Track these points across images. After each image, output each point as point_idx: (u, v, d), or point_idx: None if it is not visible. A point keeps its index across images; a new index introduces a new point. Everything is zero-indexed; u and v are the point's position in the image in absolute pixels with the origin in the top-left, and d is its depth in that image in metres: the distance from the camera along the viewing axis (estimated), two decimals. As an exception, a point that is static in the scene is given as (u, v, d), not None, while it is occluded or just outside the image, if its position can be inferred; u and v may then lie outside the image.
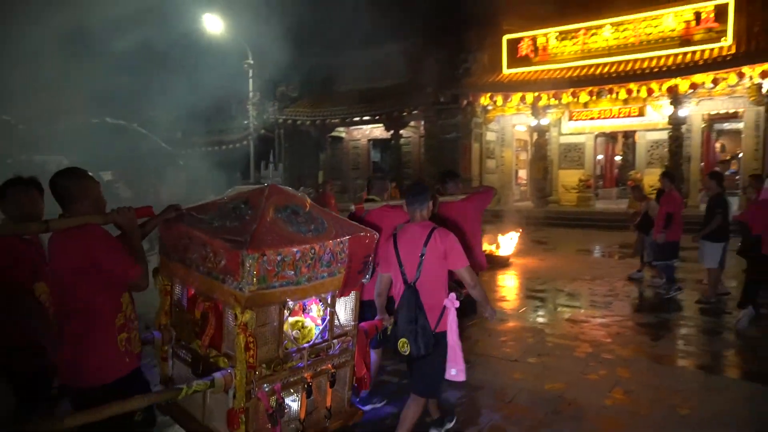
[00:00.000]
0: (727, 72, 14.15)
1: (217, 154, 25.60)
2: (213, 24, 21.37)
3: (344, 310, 2.95)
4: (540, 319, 6.12)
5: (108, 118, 19.03)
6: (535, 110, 17.36)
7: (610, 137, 25.11)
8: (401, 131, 21.48)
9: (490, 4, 18.57)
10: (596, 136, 21.93)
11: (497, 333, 5.37)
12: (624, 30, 16.26)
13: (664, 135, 16.51)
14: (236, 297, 2.35)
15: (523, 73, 17.79)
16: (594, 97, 16.31)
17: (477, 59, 18.60)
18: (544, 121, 17.76)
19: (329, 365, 2.79)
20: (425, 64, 19.62)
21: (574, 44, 17.10)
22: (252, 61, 22.51)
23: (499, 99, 17.86)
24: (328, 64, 24.09)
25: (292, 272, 2.48)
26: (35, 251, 2.85)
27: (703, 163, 19.65)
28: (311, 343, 2.76)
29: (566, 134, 19.12)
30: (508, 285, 8.19)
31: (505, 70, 18.21)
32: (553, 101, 17.02)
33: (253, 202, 2.63)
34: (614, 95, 15.91)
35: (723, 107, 16.30)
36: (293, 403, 2.74)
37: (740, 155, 25.32)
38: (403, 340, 2.94)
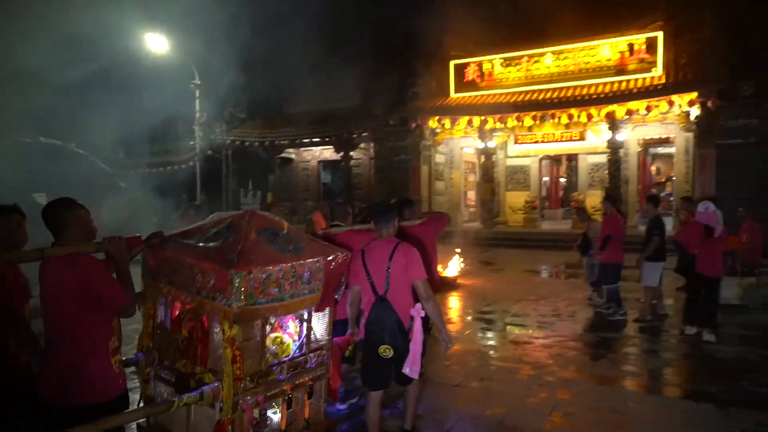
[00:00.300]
0: (658, 100, 14.96)
1: (162, 175, 24.78)
2: (157, 43, 20.84)
3: (319, 325, 3.16)
4: (484, 342, 6.09)
5: (42, 137, 18.08)
6: (482, 133, 17.75)
7: (555, 160, 26.00)
8: (351, 153, 21.48)
9: (438, 30, 19.02)
10: (541, 159, 22.66)
11: (441, 356, 5.27)
12: (564, 58, 16.97)
13: (603, 158, 17.20)
14: (225, 313, 2.54)
15: (469, 97, 18.21)
16: (537, 122, 16.85)
17: (425, 83, 18.91)
18: (491, 144, 18.17)
19: (307, 378, 3.00)
20: (375, 87, 19.82)
21: (518, 70, 17.68)
22: (199, 82, 22.06)
23: (447, 122, 18.18)
24: (279, 85, 23.91)
25: (276, 289, 2.70)
26: (21, 275, 2.91)
27: (640, 185, 20.61)
28: (290, 357, 2.96)
29: (512, 157, 19.63)
30: (454, 307, 8.15)
31: (453, 94, 18.59)
32: (498, 125, 17.46)
33: (234, 226, 2.82)
34: (556, 120, 16.50)
35: (656, 133, 17.19)
36: (274, 416, 2.92)
37: (674, 178, 26.85)
38: (385, 346, 3.22)
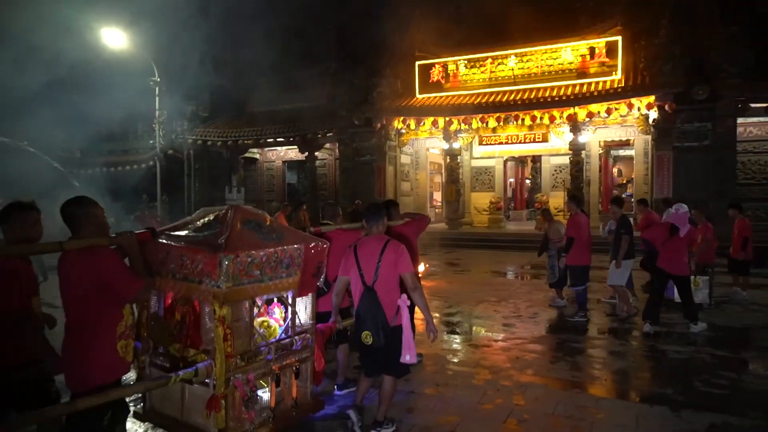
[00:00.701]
0: (618, 103, 15.25)
1: (120, 175, 23.96)
2: (114, 38, 20.13)
3: (303, 310, 3.51)
4: (443, 346, 5.97)
5: (-13, 135, 17.25)
6: (447, 134, 17.76)
7: (520, 161, 26.34)
8: (316, 153, 21.21)
9: (404, 31, 18.97)
10: (506, 160, 22.88)
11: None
12: (528, 60, 17.13)
13: (566, 160, 17.43)
14: (215, 294, 2.82)
15: (434, 98, 18.20)
16: (501, 123, 16.96)
17: (391, 84, 18.81)
18: (456, 145, 18.20)
19: (293, 359, 3.33)
20: (340, 87, 19.64)
21: (482, 72, 17.76)
22: (158, 79, 21.42)
23: (412, 123, 18.12)
24: (242, 84, 23.47)
25: (258, 272, 3.00)
26: (32, 270, 3.05)
27: (602, 187, 21.01)
28: (277, 339, 3.28)
29: (477, 158, 19.73)
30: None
31: (418, 95, 18.55)
32: (463, 126, 17.51)
33: (220, 218, 3.11)
34: (520, 121, 16.64)
35: (617, 135, 17.53)
36: (264, 394, 3.22)
37: (634, 179, 27.53)
38: (366, 332, 3.46)
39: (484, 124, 17.22)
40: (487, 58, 17.62)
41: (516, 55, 17.20)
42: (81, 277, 2.55)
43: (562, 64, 16.68)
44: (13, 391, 2.74)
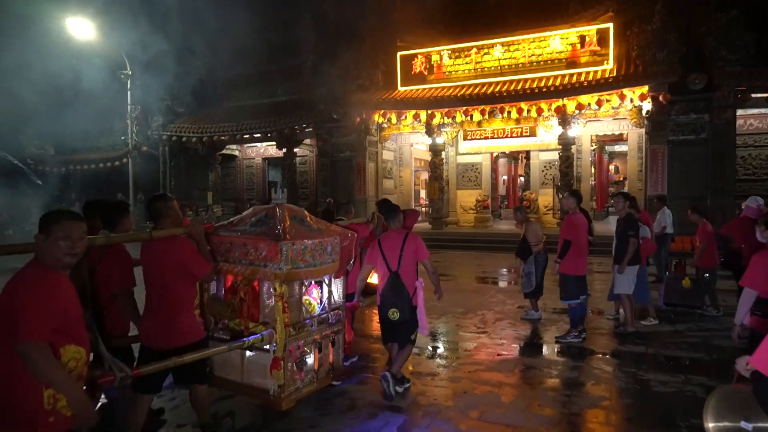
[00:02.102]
0: (609, 94, 14.28)
1: (93, 172, 23.00)
2: (81, 29, 19.12)
3: (336, 290, 4.15)
4: (377, 375, 4.96)
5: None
6: (429, 128, 16.77)
7: (513, 158, 25.40)
8: (296, 149, 20.24)
9: (385, 20, 17.98)
10: (498, 157, 21.93)
11: (320, 400, 4.18)
12: (515, 50, 16.14)
13: (556, 155, 16.46)
14: (276, 275, 3.48)
15: (417, 90, 17.21)
16: (486, 116, 16.00)
17: (371, 76, 17.82)
18: (440, 140, 17.22)
19: (329, 331, 4.00)
20: (319, 79, 18.63)
21: (467, 63, 16.78)
22: (130, 72, 20.45)
23: (392, 117, 17.16)
24: (220, 78, 22.51)
25: (311, 257, 3.68)
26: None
27: (595, 182, 20.07)
28: (317, 314, 3.92)
29: (463, 153, 18.75)
30: (368, 325, 6.95)
31: (400, 87, 17.56)
32: (446, 120, 16.54)
33: (271, 214, 3.71)
34: (506, 114, 15.68)
35: (609, 129, 16.55)
36: (309, 359, 3.78)
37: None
38: (393, 309, 4.21)
39: (469, 118, 16.24)
40: (471, 47, 16.63)
41: (502, 44, 16.21)
42: (166, 259, 3.10)
43: (551, 53, 15.69)
44: (120, 356, 2.98)
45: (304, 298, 3.86)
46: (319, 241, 3.77)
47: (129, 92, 20.53)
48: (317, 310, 3.98)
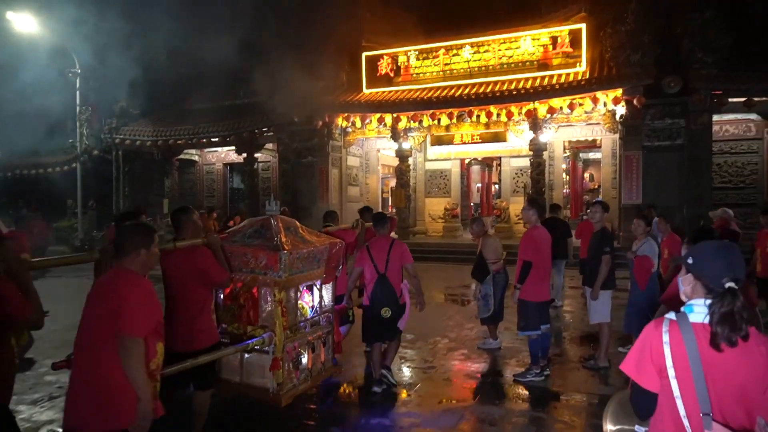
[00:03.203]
0: (582, 97, 13.58)
1: (40, 178, 21.54)
2: (23, 22, 17.81)
3: (326, 295, 4.52)
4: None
5: None
6: (395, 133, 15.87)
7: (486, 165, 24.66)
8: (257, 154, 19.15)
9: (350, 20, 17.07)
10: (470, 163, 21.15)
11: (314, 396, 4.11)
12: (484, 51, 15.38)
13: (527, 162, 15.70)
14: (276, 282, 3.84)
15: (383, 92, 16.32)
16: (455, 120, 15.17)
17: (335, 77, 16.86)
18: (406, 145, 16.32)
19: (321, 333, 4.39)
20: (280, 81, 17.59)
21: (435, 64, 15.96)
22: (79, 70, 19.16)
23: (357, 120, 16.22)
24: (178, 78, 21.27)
25: (302, 265, 4.03)
26: None
27: (568, 190, 19.41)
28: (310, 317, 4.28)
29: (432, 160, 17.90)
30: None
31: (365, 90, 16.66)
32: (413, 124, 15.66)
33: (266, 225, 4.05)
34: (475, 118, 14.87)
35: (582, 135, 15.87)
36: (303, 359, 4.13)
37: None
38: (386, 308, 4.71)
39: (436, 122, 15.39)
40: (440, 48, 15.82)
41: (471, 44, 15.43)
42: (187, 267, 3.35)
43: (521, 55, 14.96)
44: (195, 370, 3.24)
45: (298, 302, 4.14)
46: (313, 249, 4.11)
47: (78, 92, 19.24)
48: (309, 313, 4.25)
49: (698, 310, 1.70)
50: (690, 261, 1.77)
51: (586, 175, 28.98)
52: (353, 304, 5.19)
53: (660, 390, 1.71)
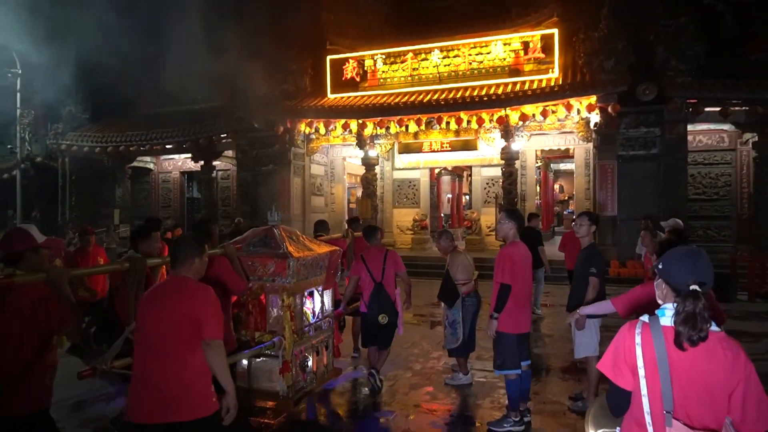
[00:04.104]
0: (555, 104, 13.01)
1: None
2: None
3: (327, 301, 4.70)
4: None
5: None
6: (361, 140, 15.03)
7: (457, 175, 24.06)
8: (216, 162, 18.04)
9: (315, 22, 16.25)
10: (440, 173, 20.49)
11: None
12: (454, 56, 14.73)
13: (499, 172, 15.07)
14: (285, 288, 4.03)
15: (348, 98, 15.49)
16: (423, 127, 14.43)
17: (298, 81, 15.99)
18: (373, 153, 15.48)
19: (323, 336, 4.59)
20: (240, 85, 16.59)
21: (403, 69, 15.23)
22: (20, 71, 17.77)
23: (321, 126, 15.32)
24: (130, 81, 20.02)
25: (307, 271, 4.25)
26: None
27: (540, 201, 18.89)
28: (313, 321, 4.43)
29: (400, 169, 17.12)
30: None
31: (329, 95, 15.80)
32: (380, 130, 14.86)
33: (270, 235, 4.19)
34: (444, 125, 14.16)
35: (555, 144, 15.34)
36: (308, 362, 4.30)
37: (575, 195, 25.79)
38: (383, 314, 4.91)
39: (404, 129, 14.62)
40: (408, 52, 15.10)
41: (441, 49, 14.76)
42: (205, 277, 2.91)
43: (492, 60, 14.36)
44: None
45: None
46: (316, 256, 4.33)
47: (19, 94, 17.81)
48: (311, 318, 4.40)
49: (668, 314, 1.78)
50: (660, 266, 1.85)
51: (557, 186, 28.74)
52: (349, 310, 5.43)
53: (634, 389, 1.79)
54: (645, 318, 1.81)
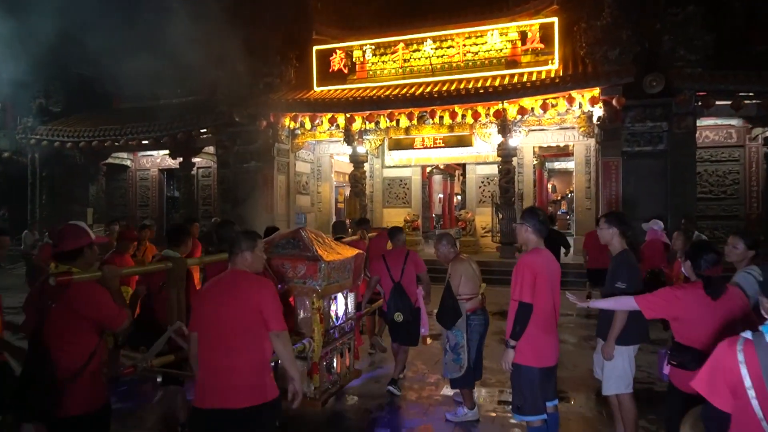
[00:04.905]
0: (555, 97, 12.23)
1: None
2: None
3: (350, 303, 4.79)
4: None
5: None
6: (349, 135, 14.14)
7: (448, 174, 23.27)
8: (196, 159, 17.04)
9: (300, 10, 15.32)
10: (431, 172, 19.70)
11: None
12: (448, 47, 13.88)
13: (495, 169, 14.26)
14: (315, 291, 4.02)
15: (335, 91, 14.58)
16: (415, 122, 13.56)
17: (282, 73, 15.04)
18: (361, 150, 14.61)
19: (346, 338, 4.66)
20: (221, 77, 15.61)
21: (394, 60, 14.34)
22: (-15, 60, 16.61)
23: (306, 121, 14.41)
24: (106, 74, 18.90)
25: (336, 274, 4.25)
26: None
27: (535, 200, 18.13)
28: (338, 324, 4.47)
29: (390, 166, 16.23)
30: None
31: (316, 88, 14.87)
32: (369, 125, 13.98)
33: (298, 237, 4.20)
34: (438, 119, 13.30)
35: (553, 140, 14.55)
36: (334, 364, 4.37)
37: (569, 195, 25.10)
38: (398, 313, 4.99)
39: (395, 123, 13.77)
40: (398, 42, 14.22)
41: (433, 39, 13.90)
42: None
43: (488, 51, 13.53)
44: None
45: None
46: (344, 259, 4.36)
47: (-16, 85, 16.68)
48: (336, 321, 4.45)
49: None
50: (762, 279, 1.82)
51: (549, 186, 28.02)
52: (368, 311, 5.68)
53: (736, 410, 1.68)
54: (747, 334, 1.71)
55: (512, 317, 3.22)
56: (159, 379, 3.86)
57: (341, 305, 4.52)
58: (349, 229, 6.63)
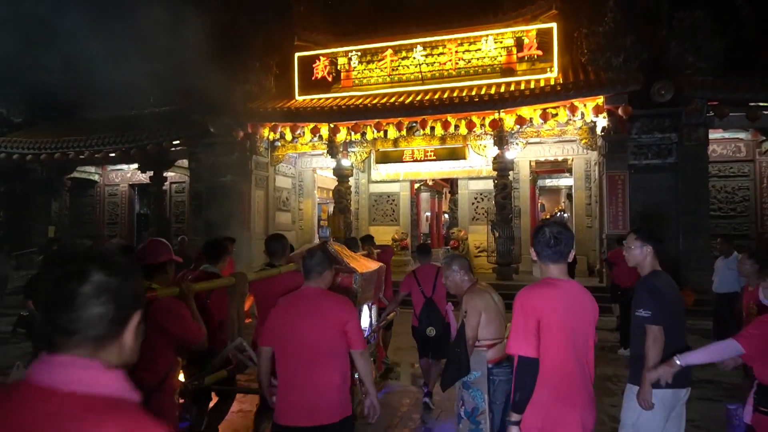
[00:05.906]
0: (556, 106, 11.35)
1: None
2: None
3: (374, 315, 4.93)
4: None
5: None
6: (332, 147, 13.08)
7: (436, 191, 22.30)
8: (168, 173, 15.83)
9: (281, 14, 14.36)
10: (419, 189, 18.70)
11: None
12: (439, 54, 13.01)
13: (489, 185, 13.31)
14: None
15: (319, 100, 13.57)
16: (404, 132, 12.59)
17: (261, 81, 14.01)
18: (346, 162, 13.55)
19: (371, 349, 4.61)
20: (195, 84, 14.50)
21: (381, 68, 13.42)
22: (-62, 65, 15.34)
23: (287, 132, 13.34)
24: (74, 81, 17.70)
25: (367, 286, 4.29)
26: None
27: (530, 221, 17.18)
28: (368, 333, 4.44)
29: (377, 181, 15.20)
30: None
31: (297, 96, 13.86)
32: (355, 136, 12.96)
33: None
34: (428, 130, 12.33)
35: (551, 153, 13.68)
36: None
37: (558, 214, 24.34)
38: (430, 327, 5.03)
39: (382, 134, 12.78)
40: (386, 48, 13.31)
41: (424, 45, 13.02)
42: (288, 288, 3.15)
43: (482, 58, 12.68)
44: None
45: None
46: (372, 272, 4.42)
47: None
48: (366, 330, 4.37)
49: None
50: None
51: (538, 204, 27.25)
52: (384, 324, 5.72)
53: None
54: None
55: (515, 378, 2.19)
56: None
57: (365, 317, 4.55)
58: (370, 247, 6.54)
